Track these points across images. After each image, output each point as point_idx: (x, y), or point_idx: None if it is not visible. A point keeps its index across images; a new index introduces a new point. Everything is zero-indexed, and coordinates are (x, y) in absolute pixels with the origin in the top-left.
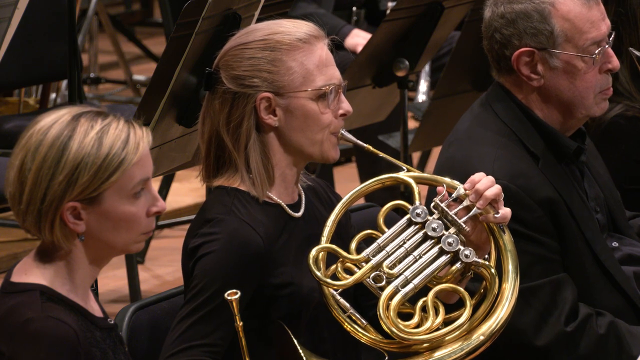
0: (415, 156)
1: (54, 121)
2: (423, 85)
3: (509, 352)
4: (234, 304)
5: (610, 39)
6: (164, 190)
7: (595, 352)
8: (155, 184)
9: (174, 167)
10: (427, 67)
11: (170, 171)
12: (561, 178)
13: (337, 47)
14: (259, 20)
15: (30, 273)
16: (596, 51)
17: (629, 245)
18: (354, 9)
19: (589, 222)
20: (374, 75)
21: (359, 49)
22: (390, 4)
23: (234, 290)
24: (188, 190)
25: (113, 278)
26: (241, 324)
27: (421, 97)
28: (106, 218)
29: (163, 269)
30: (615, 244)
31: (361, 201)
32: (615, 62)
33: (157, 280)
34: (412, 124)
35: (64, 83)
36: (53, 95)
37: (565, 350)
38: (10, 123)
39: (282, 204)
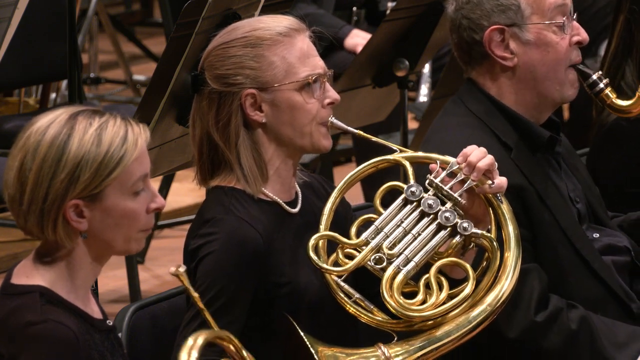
0: None
1: (51, 121)
2: (424, 88)
3: (483, 347)
4: (183, 277)
5: (574, 16)
6: (164, 190)
7: (565, 347)
8: (155, 184)
9: (173, 167)
10: (428, 70)
11: (170, 171)
12: (534, 167)
13: (337, 47)
14: None
15: (31, 275)
16: (563, 18)
17: (610, 236)
18: (354, 9)
19: (564, 211)
20: (374, 75)
21: (359, 49)
22: (390, 4)
23: (180, 264)
24: (188, 190)
25: (113, 278)
26: (196, 295)
27: (422, 98)
28: (108, 215)
29: (163, 269)
30: (596, 235)
31: (361, 201)
32: (583, 34)
33: (157, 280)
34: (412, 124)
35: (64, 83)
36: (53, 95)
37: (536, 342)
38: (10, 123)
39: (279, 200)
